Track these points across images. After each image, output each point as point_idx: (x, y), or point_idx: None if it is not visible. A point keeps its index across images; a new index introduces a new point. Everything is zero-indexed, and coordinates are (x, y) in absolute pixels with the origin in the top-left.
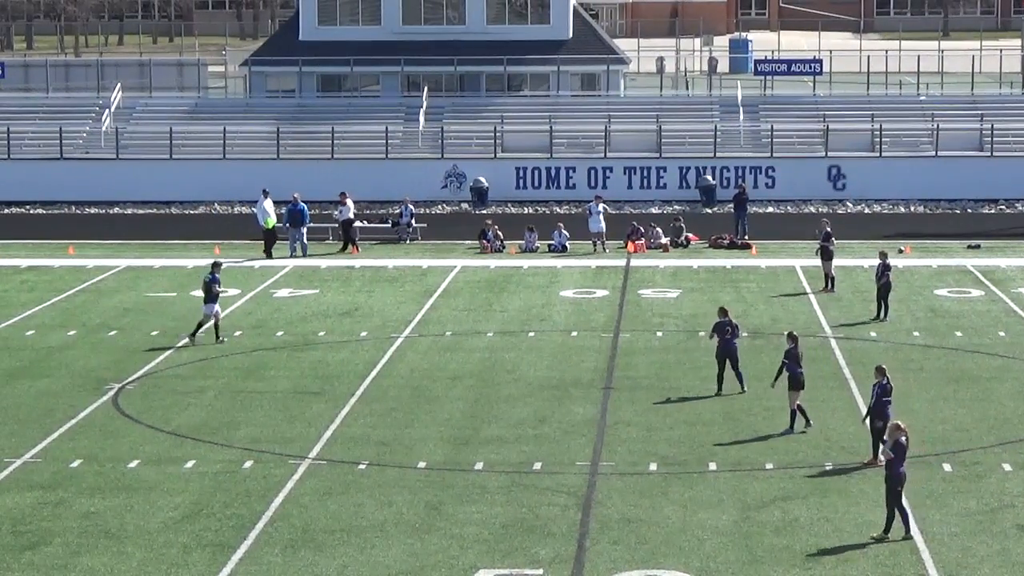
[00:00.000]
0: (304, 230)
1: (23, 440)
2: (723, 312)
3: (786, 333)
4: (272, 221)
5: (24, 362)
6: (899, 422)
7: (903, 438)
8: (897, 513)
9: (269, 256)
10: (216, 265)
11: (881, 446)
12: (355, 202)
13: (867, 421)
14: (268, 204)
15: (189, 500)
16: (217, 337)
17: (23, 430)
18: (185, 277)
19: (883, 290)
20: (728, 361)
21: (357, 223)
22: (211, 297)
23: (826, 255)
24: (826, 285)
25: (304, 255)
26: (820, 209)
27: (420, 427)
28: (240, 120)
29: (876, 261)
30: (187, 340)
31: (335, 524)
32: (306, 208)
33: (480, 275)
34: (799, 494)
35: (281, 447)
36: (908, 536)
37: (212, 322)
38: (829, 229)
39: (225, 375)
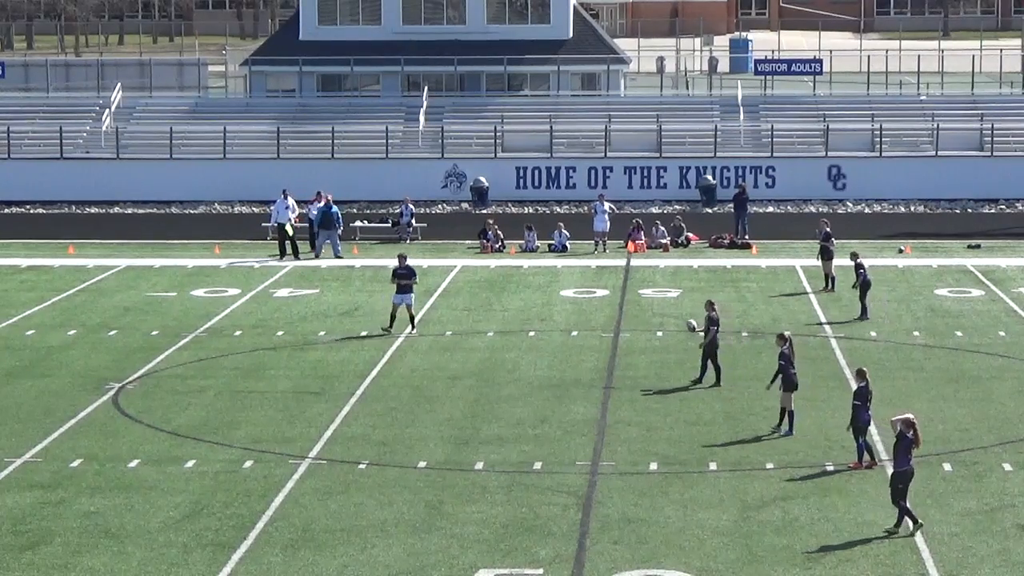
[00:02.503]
0: (338, 233)
1: (23, 440)
2: (711, 306)
3: (776, 335)
4: (283, 221)
5: (24, 362)
6: (911, 417)
7: (910, 433)
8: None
9: (284, 255)
10: (401, 257)
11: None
12: (355, 202)
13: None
14: (284, 204)
15: (189, 500)
16: (389, 326)
17: (23, 430)
18: (185, 277)
19: (862, 289)
20: (711, 354)
21: (359, 223)
22: (400, 288)
23: (826, 255)
24: (826, 285)
25: (336, 256)
26: (820, 209)
27: (420, 427)
28: (240, 120)
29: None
30: (412, 331)
31: (335, 524)
32: (338, 210)
33: (480, 275)
34: (799, 494)
35: (281, 447)
36: (897, 530)
37: (394, 311)
38: (829, 229)
39: (225, 375)
